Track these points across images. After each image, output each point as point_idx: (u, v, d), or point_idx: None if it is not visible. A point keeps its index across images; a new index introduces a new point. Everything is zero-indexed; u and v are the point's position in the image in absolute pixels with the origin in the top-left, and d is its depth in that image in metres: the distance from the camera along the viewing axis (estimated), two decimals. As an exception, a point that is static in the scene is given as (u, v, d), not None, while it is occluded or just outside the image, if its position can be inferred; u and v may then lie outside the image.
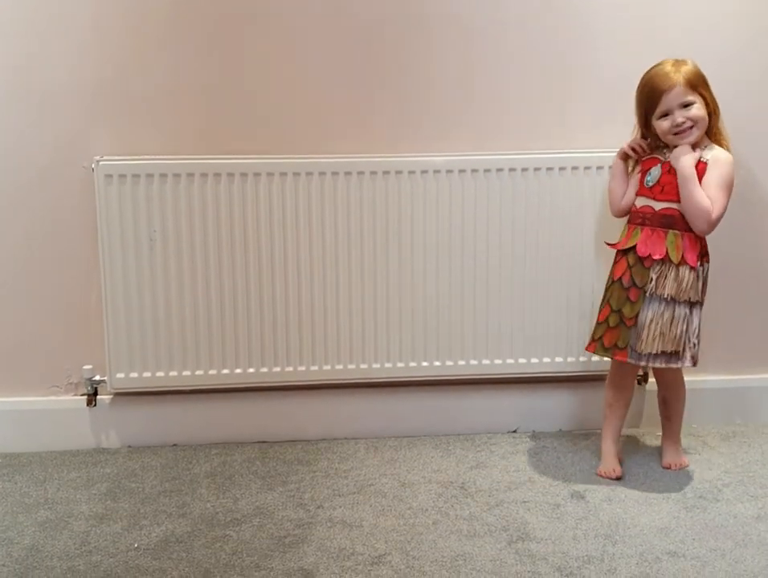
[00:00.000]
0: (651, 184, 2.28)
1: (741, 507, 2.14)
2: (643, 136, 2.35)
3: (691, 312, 2.24)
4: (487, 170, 2.46)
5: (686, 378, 2.59)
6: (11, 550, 1.97)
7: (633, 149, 2.35)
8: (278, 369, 2.49)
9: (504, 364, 2.55)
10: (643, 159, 2.34)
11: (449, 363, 2.54)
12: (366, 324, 2.50)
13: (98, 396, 2.52)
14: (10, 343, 2.50)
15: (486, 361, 2.54)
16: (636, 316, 2.25)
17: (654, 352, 2.23)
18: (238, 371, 2.48)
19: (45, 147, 2.43)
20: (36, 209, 2.45)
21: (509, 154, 2.46)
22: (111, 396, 2.53)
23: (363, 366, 2.52)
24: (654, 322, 2.23)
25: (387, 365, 2.52)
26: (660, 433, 2.48)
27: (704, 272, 2.29)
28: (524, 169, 2.45)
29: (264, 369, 2.49)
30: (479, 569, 1.87)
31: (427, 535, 2.02)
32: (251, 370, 2.49)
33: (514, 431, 2.63)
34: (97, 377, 2.50)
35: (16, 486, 2.30)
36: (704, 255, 2.28)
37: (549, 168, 2.46)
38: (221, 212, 2.41)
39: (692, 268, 2.22)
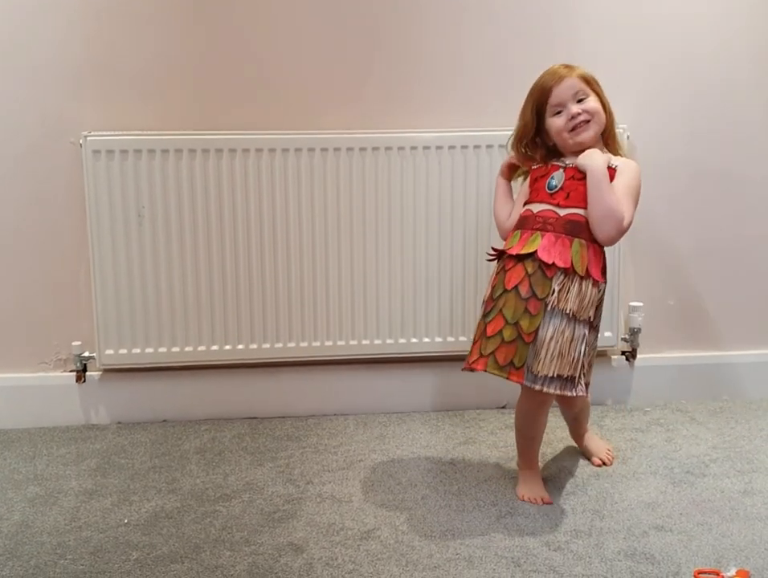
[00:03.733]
0: (555, 189, 2.03)
1: (728, 482, 2.15)
2: (536, 145, 2.12)
3: (589, 333, 1.98)
4: (476, 146, 2.46)
5: (676, 354, 2.61)
6: (1, 526, 1.97)
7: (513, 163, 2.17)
8: (267, 346, 2.49)
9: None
10: (534, 168, 2.12)
11: (438, 339, 2.54)
12: (356, 301, 2.50)
13: (87, 373, 2.52)
14: (-2, 319, 2.50)
15: (475, 338, 2.55)
16: (536, 331, 1.94)
17: (550, 374, 1.93)
18: (227, 347, 2.48)
19: (32, 122, 2.41)
20: (24, 185, 2.44)
21: (499, 130, 2.45)
22: (100, 373, 2.53)
23: (353, 342, 2.52)
24: (554, 340, 1.93)
25: (377, 342, 2.53)
26: (648, 409, 2.49)
27: (602, 292, 2.02)
28: (514, 145, 2.45)
29: (254, 346, 2.49)
30: (468, 544, 1.87)
31: (417, 510, 2.03)
32: (241, 346, 2.49)
33: (503, 407, 2.64)
34: (86, 353, 2.50)
35: (5, 462, 2.30)
36: (604, 272, 2.03)
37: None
38: (209, 188, 2.40)
39: (595, 283, 1.98)
